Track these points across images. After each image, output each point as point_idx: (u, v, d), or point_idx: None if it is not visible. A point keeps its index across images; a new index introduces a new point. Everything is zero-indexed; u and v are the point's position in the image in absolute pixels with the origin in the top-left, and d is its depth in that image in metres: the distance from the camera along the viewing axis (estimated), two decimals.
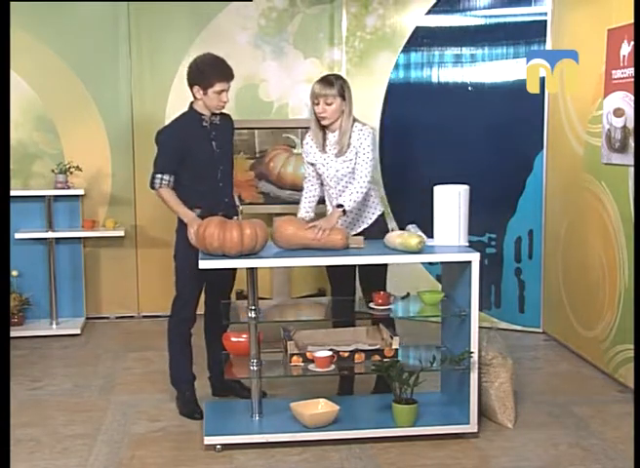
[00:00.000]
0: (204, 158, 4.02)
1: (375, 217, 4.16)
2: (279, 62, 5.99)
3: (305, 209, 4.22)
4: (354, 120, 4.05)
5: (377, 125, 5.80)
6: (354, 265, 4.02)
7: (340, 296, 4.18)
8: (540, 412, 4.09)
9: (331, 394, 4.01)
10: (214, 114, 4.06)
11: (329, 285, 4.35)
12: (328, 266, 4.14)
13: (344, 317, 4.12)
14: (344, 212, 3.92)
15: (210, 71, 3.95)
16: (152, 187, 4.03)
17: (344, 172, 4.06)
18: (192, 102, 4.07)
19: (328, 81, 4.02)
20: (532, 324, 5.61)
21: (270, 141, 5.64)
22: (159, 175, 4.00)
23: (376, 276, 4.10)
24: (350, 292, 4.20)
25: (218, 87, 3.95)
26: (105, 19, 5.81)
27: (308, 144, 4.17)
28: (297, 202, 5.55)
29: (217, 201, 4.04)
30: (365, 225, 4.16)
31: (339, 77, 4.12)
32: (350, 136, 4.03)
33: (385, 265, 4.10)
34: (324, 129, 4.10)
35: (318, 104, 4.00)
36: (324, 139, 4.10)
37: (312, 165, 4.17)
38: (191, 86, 4.00)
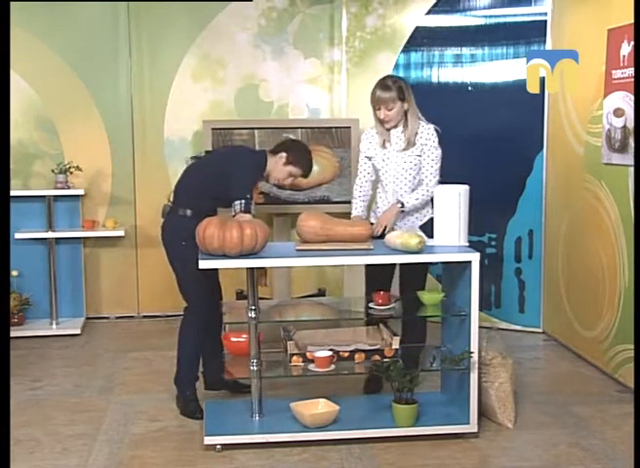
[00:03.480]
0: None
1: (425, 220, 4.26)
2: (279, 62, 5.98)
3: (361, 207, 4.34)
4: (419, 118, 4.18)
5: None
6: (393, 265, 4.10)
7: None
8: (540, 412, 4.09)
9: (331, 394, 4.00)
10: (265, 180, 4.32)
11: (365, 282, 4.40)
12: (366, 265, 4.23)
13: (343, 317, 4.14)
14: (403, 210, 4.12)
15: (307, 160, 4.20)
16: (250, 211, 4.00)
17: (406, 167, 4.18)
18: (267, 157, 4.20)
19: (386, 86, 4.13)
20: (532, 324, 5.61)
21: (270, 141, 5.64)
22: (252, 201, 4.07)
23: (415, 276, 4.18)
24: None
25: (299, 173, 4.20)
26: (105, 19, 5.80)
27: (367, 140, 4.28)
28: (296, 202, 5.63)
29: None
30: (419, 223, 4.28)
31: (395, 80, 4.20)
32: (417, 134, 4.15)
33: (425, 267, 4.20)
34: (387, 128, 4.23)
35: (379, 110, 4.14)
36: (388, 136, 4.21)
37: (369, 159, 4.27)
38: (279, 152, 4.17)
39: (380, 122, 4.19)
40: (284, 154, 4.18)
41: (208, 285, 4.08)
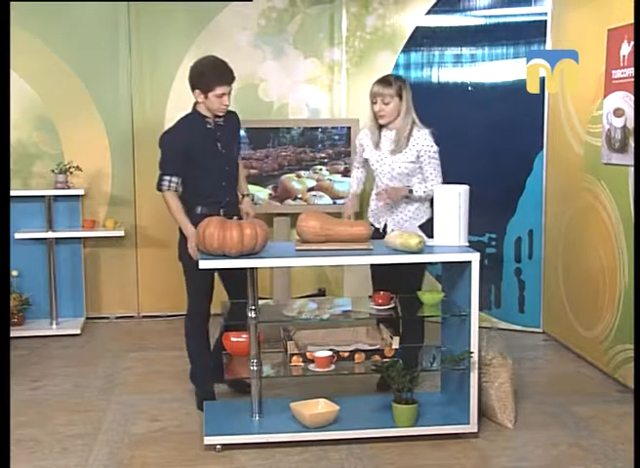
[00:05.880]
0: (209, 159, 4.03)
1: (422, 221, 4.28)
2: (279, 62, 5.98)
3: (358, 185, 4.50)
4: (414, 122, 4.21)
5: None
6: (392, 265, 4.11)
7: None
8: (540, 412, 4.09)
9: (331, 394, 4.00)
10: (217, 116, 4.06)
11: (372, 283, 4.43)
12: (371, 265, 4.29)
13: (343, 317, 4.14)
14: (408, 196, 4.18)
15: (210, 75, 3.95)
16: (160, 189, 4.02)
17: (400, 171, 4.23)
18: (195, 104, 4.07)
19: (386, 81, 4.20)
20: (532, 324, 5.61)
21: (270, 141, 5.64)
22: (167, 178, 3.99)
23: (412, 276, 4.19)
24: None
25: (218, 90, 3.95)
26: (105, 19, 5.80)
27: (363, 140, 4.34)
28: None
29: (218, 200, 4.06)
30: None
31: (398, 78, 4.30)
32: (410, 137, 4.19)
33: (423, 267, 4.23)
34: (380, 127, 4.25)
35: (376, 103, 4.18)
36: (379, 137, 4.26)
37: (366, 160, 4.35)
38: (192, 89, 4.01)
39: (375, 116, 4.22)
40: (196, 91, 3.98)
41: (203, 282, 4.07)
